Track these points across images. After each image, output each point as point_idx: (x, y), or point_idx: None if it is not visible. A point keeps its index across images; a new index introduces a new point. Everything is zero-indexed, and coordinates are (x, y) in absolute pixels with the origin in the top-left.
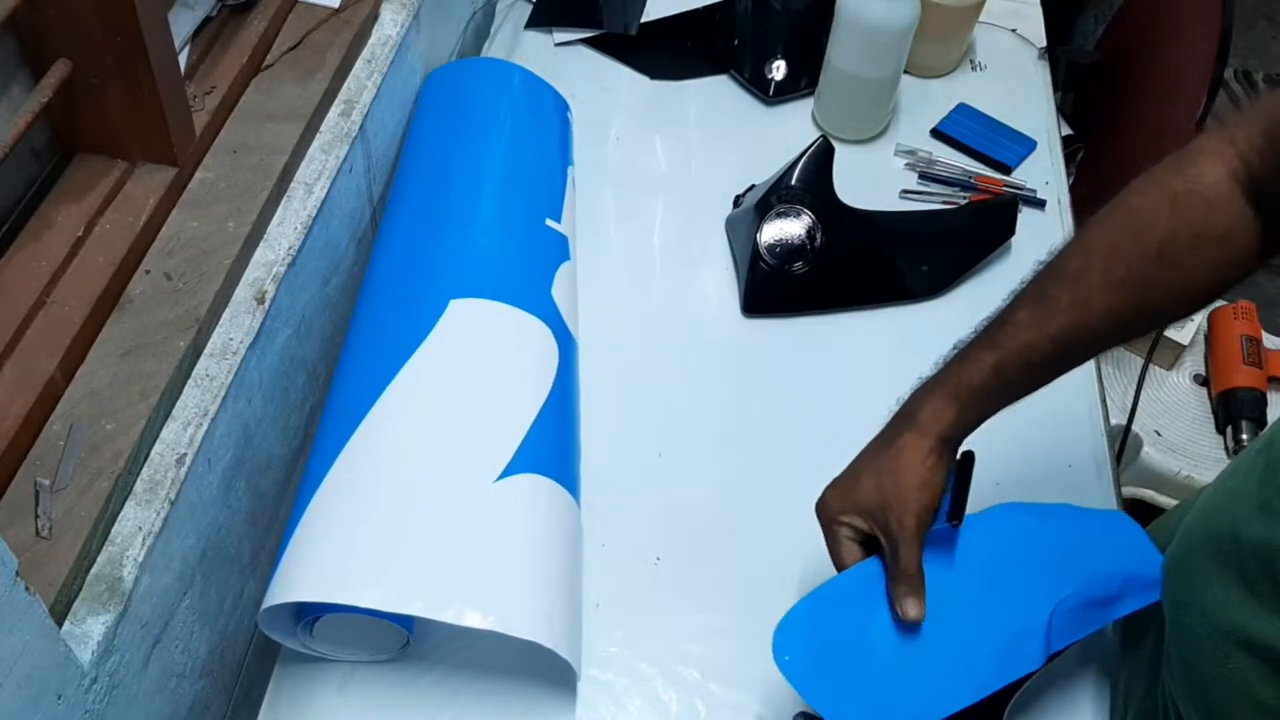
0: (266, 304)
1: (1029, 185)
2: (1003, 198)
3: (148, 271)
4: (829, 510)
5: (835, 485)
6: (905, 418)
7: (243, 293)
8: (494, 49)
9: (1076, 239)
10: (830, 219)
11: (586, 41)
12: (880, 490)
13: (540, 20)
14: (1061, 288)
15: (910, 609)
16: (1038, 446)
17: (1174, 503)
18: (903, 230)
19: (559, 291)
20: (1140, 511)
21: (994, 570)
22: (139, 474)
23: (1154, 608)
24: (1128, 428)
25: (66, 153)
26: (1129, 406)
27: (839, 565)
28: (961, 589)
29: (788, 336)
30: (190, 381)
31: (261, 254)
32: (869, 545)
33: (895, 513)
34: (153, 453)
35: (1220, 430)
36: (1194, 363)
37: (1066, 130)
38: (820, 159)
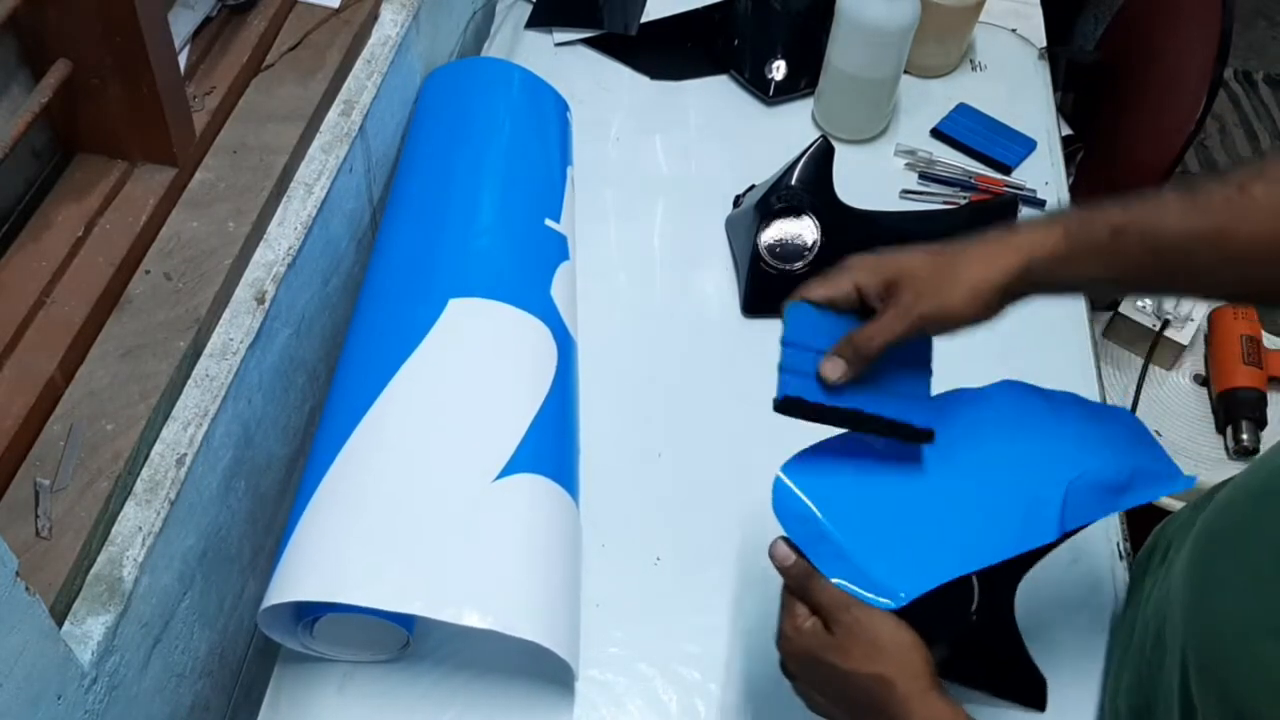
0: (266, 304)
1: (1029, 185)
2: (1003, 198)
3: (148, 271)
4: (850, 262)
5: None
6: (1003, 229)
7: (243, 293)
8: (494, 49)
9: (1256, 162)
10: (830, 219)
11: (586, 41)
12: (925, 271)
13: (540, 20)
14: (1223, 188)
15: (832, 370)
16: None
17: (1175, 504)
18: (903, 230)
19: (558, 291)
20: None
21: (1005, 441)
22: (139, 474)
23: (1143, 599)
24: None
25: (66, 153)
26: (1129, 406)
27: (820, 290)
28: (972, 454)
29: None
30: (190, 382)
31: (261, 254)
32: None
33: (915, 292)
34: (153, 453)
35: (1220, 430)
36: (1194, 363)
37: (1066, 130)
38: (820, 159)
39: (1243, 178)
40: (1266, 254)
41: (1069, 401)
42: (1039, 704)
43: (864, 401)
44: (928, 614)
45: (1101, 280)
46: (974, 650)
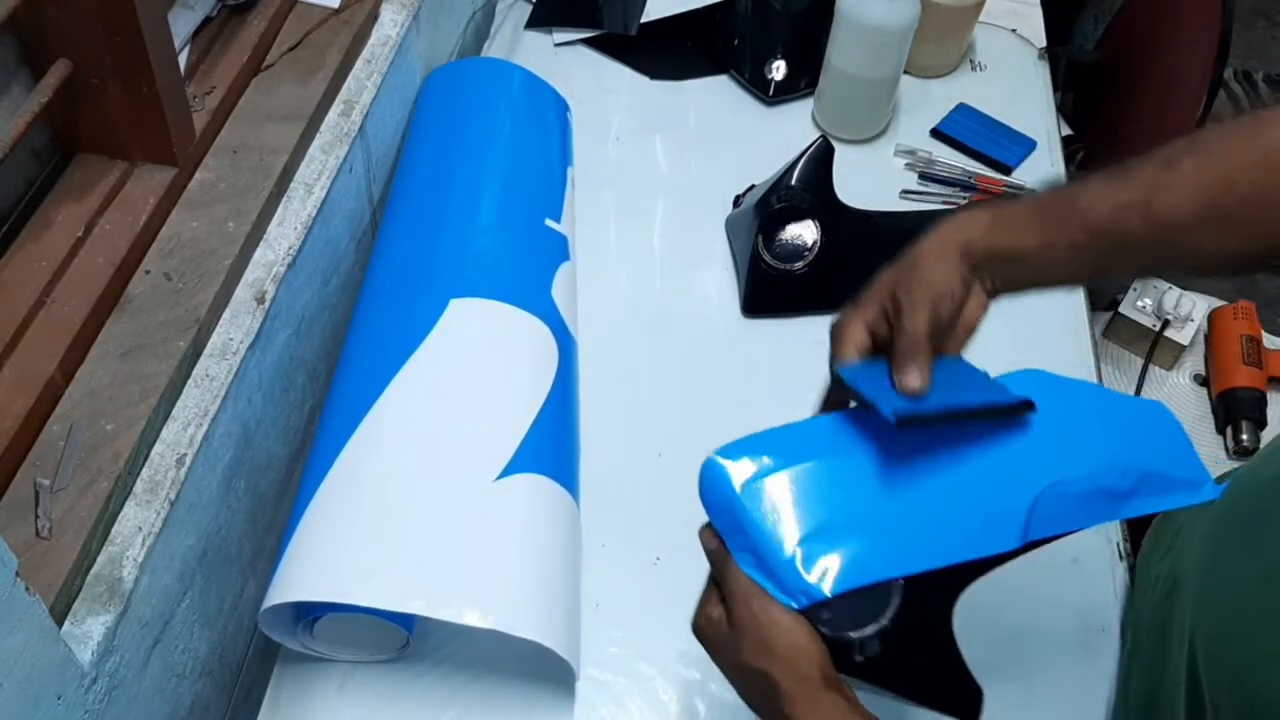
0: (266, 304)
1: (1029, 185)
2: (1003, 198)
3: (148, 271)
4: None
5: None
6: (937, 224)
7: (243, 293)
8: (494, 49)
9: (1187, 139)
10: (830, 219)
11: (586, 41)
12: (894, 272)
13: (540, 20)
14: (1150, 165)
15: (911, 378)
16: None
17: None
18: (903, 230)
19: (559, 291)
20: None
21: (992, 437)
22: (139, 474)
23: (1149, 592)
24: None
25: (66, 153)
26: None
27: (842, 352)
28: (950, 450)
29: (788, 336)
30: (190, 382)
31: (261, 254)
32: (876, 349)
33: (905, 284)
34: (153, 453)
35: (1220, 430)
36: (1194, 363)
37: (1066, 130)
38: (820, 159)
39: (1169, 154)
40: (1194, 221)
41: (1089, 394)
42: (970, 716)
43: (956, 398)
44: (849, 612)
45: (1040, 254)
46: (902, 655)
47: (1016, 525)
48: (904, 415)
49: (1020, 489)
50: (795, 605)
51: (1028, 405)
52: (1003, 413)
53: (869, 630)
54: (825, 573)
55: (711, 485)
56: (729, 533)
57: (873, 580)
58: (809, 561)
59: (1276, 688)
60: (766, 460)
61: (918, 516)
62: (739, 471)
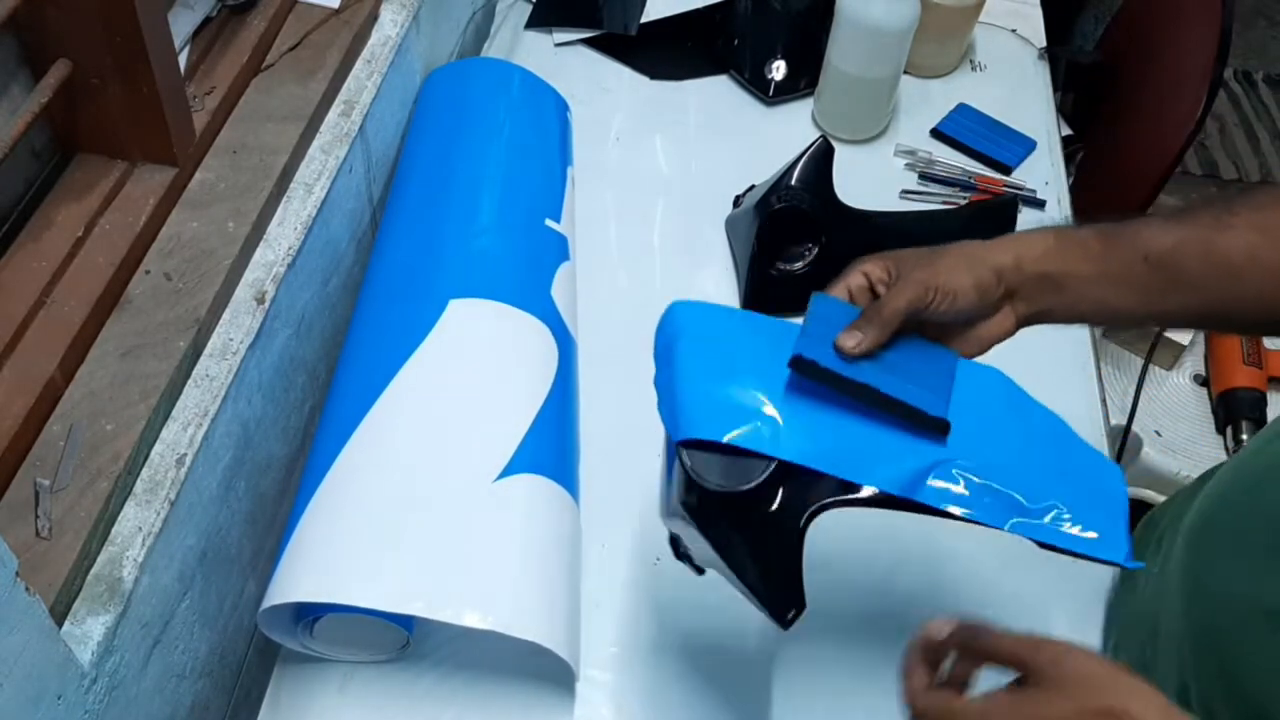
0: (266, 304)
1: (1029, 185)
2: (1003, 198)
3: (148, 271)
4: (856, 260)
5: None
6: (997, 239)
7: (243, 293)
8: (494, 49)
9: (1245, 191)
10: (830, 219)
11: (586, 42)
12: (920, 251)
13: (540, 20)
14: (1209, 207)
15: (846, 337)
16: None
17: (1158, 496)
18: (903, 230)
19: (559, 292)
20: (1140, 511)
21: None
22: (139, 474)
23: (1138, 590)
24: (1128, 428)
25: (66, 153)
26: (1129, 406)
27: (833, 287)
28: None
29: None
30: (190, 382)
31: (261, 254)
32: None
33: (912, 264)
34: (153, 453)
35: (1220, 430)
36: (1194, 363)
37: (1066, 130)
38: (820, 159)
39: (1228, 199)
40: (1249, 262)
41: (1048, 422)
42: (784, 620)
43: (881, 381)
44: (723, 470)
45: (1095, 282)
46: (752, 547)
47: (901, 474)
48: (804, 359)
49: (929, 450)
50: (675, 436)
51: (943, 426)
52: (913, 417)
53: (734, 489)
54: (716, 420)
55: (667, 318)
56: (660, 361)
57: (766, 451)
58: (707, 406)
59: (1267, 683)
60: (725, 323)
61: (826, 424)
62: (697, 316)
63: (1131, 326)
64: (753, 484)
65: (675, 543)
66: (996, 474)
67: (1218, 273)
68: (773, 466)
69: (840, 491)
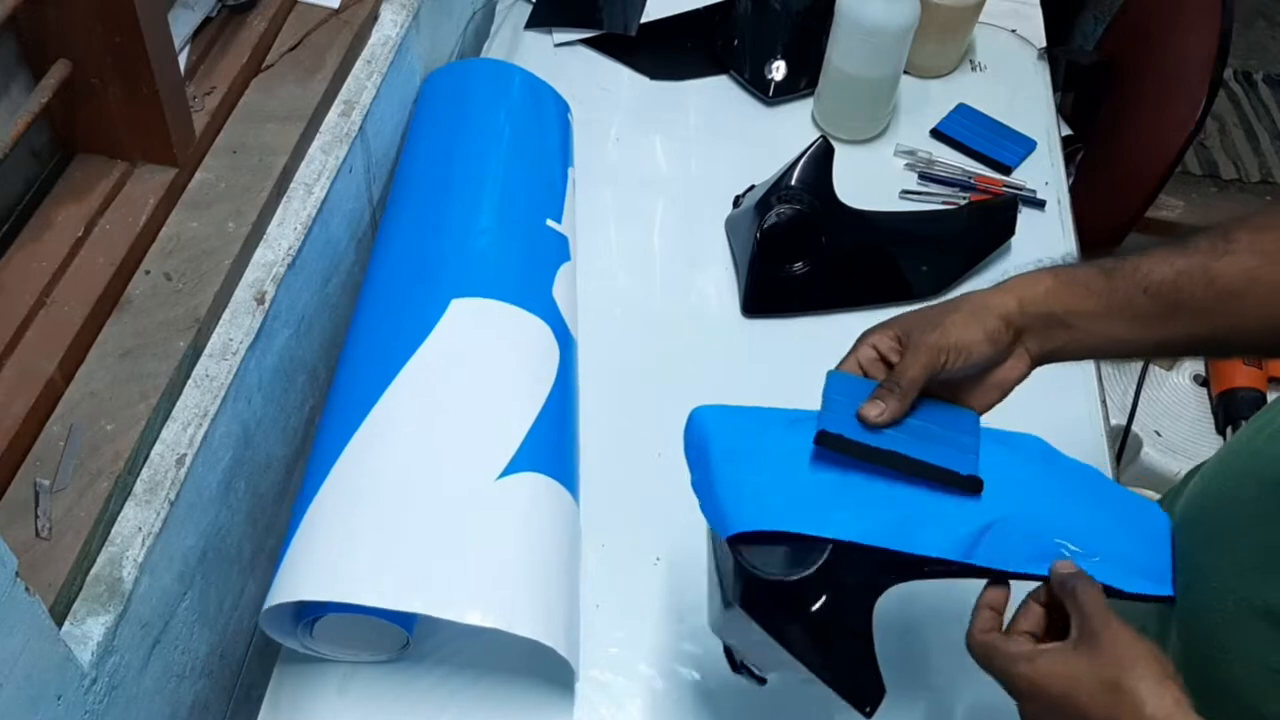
0: (266, 304)
1: (1029, 185)
2: (1002, 198)
3: (148, 272)
4: (863, 334)
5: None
6: (997, 284)
7: (243, 293)
8: (494, 49)
9: (1244, 214)
10: (830, 219)
11: (586, 42)
12: (925, 313)
13: (540, 20)
14: (1207, 235)
15: (869, 407)
16: None
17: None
18: (903, 230)
19: (559, 291)
20: None
21: (984, 471)
22: (139, 474)
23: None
24: (1128, 428)
25: (66, 153)
26: (1129, 407)
27: (844, 363)
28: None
29: (788, 336)
30: (190, 382)
31: (261, 254)
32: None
33: (922, 326)
34: (153, 453)
35: (1220, 430)
36: (1194, 363)
37: (1066, 130)
38: (820, 159)
39: (1226, 225)
40: (1250, 285)
41: (1083, 475)
42: (865, 709)
43: (908, 447)
44: (777, 560)
45: (1098, 316)
46: (817, 631)
47: (960, 540)
48: (830, 434)
49: (976, 512)
50: (723, 532)
51: (976, 484)
52: (945, 477)
53: (793, 576)
54: (762, 509)
55: (693, 424)
56: (694, 464)
57: (811, 532)
58: (752, 496)
59: (1253, 683)
60: (745, 421)
61: (872, 499)
62: (723, 417)
63: (1142, 358)
64: (814, 568)
65: (730, 654)
66: (1045, 528)
67: (1220, 298)
68: (829, 549)
69: (899, 564)
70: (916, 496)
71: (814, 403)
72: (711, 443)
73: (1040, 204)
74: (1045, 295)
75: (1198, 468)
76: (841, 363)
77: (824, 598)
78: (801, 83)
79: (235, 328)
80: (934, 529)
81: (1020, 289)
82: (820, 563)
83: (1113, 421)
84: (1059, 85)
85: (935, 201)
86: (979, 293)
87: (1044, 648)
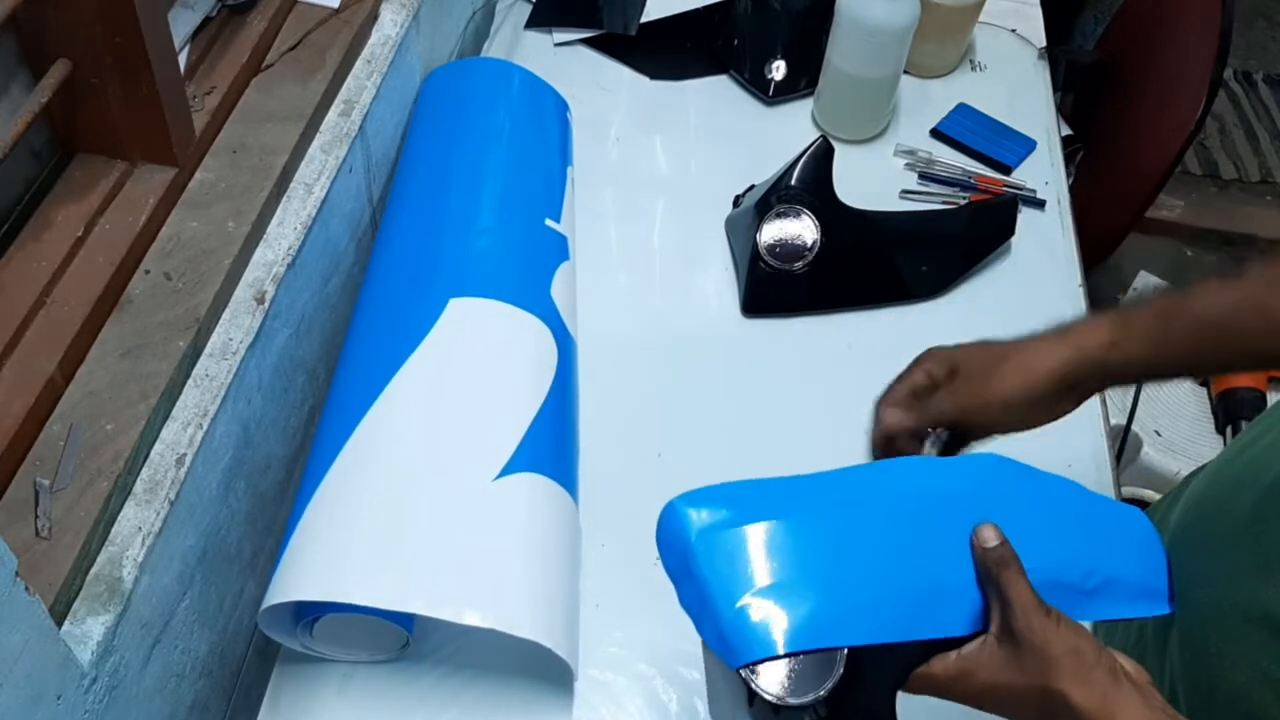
0: (266, 304)
1: (1029, 185)
2: (1003, 198)
3: (147, 271)
4: (926, 353)
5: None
6: (1057, 326)
7: (242, 293)
8: (494, 49)
9: None
10: (830, 219)
11: (586, 41)
12: (983, 352)
13: (540, 20)
14: (1259, 264)
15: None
16: (1036, 446)
17: (1154, 495)
18: (903, 230)
19: (558, 291)
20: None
21: (955, 520)
22: (139, 474)
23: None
24: (1127, 428)
25: (66, 153)
26: (1129, 406)
27: (887, 397)
28: (911, 526)
29: (788, 336)
30: (190, 382)
31: (261, 254)
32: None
33: (969, 373)
34: (153, 453)
35: (1220, 430)
36: None
37: (1066, 130)
38: (820, 159)
39: (1276, 255)
40: None
41: (1064, 490)
42: None
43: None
44: (789, 678)
45: (1155, 362)
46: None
47: (965, 612)
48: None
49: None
50: (733, 663)
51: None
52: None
53: (808, 698)
54: (771, 631)
55: (668, 529)
56: (679, 578)
57: (818, 646)
58: (756, 617)
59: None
60: (726, 513)
61: (875, 589)
62: (698, 519)
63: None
64: (837, 680)
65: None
66: (1051, 566)
67: (1274, 330)
68: (845, 653)
69: (923, 648)
70: (918, 570)
71: (813, 403)
72: (694, 550)
73: (1040, 204)
74: (1102, 350)
75: (1196, 471)
76: (897, 381)
77: (848, 703)
78: (801, 83)
79: (235, 327)
80: (952, 602)
81: (1080, 338)
82: (842, 671)
83: (1112, 421)
84: (1059, 85)
85: (935, 201)
86: (1033, 344)
87: (964, 652)
